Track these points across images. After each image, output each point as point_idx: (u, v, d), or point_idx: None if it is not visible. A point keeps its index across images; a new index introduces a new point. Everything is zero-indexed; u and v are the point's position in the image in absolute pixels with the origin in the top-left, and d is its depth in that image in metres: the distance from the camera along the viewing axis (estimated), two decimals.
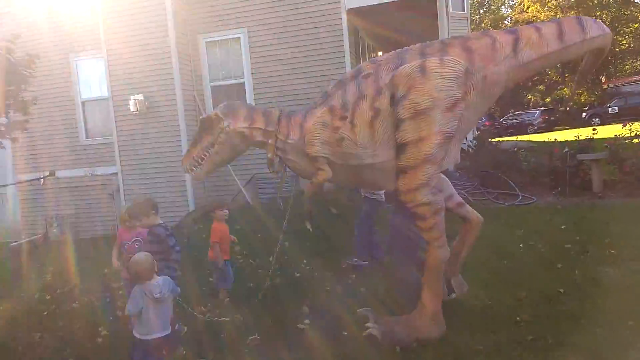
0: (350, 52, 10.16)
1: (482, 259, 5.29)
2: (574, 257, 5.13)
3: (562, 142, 9.28)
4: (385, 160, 3.23)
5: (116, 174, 10.97)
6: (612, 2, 34.26)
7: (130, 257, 4.58)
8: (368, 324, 3.56)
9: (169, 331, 3.42)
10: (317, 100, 3.49)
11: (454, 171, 10.09)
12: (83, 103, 11.17)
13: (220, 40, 10.60)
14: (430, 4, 10.58)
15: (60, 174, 11.30)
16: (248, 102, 9.87)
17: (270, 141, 3.46)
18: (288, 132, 3.42)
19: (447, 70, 3.03)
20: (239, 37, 10.42)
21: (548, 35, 3.20)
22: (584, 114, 32.08)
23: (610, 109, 29.07)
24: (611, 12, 34.13)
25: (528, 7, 36.18)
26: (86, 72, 11.07)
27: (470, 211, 3.86)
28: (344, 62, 10.01)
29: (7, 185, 11.47)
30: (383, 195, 5.38)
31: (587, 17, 3.39)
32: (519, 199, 8.25)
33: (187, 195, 10.25)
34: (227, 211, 5.19)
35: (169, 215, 9.36)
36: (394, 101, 3.11)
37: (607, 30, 3.38)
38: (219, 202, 5.55)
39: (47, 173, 11.59)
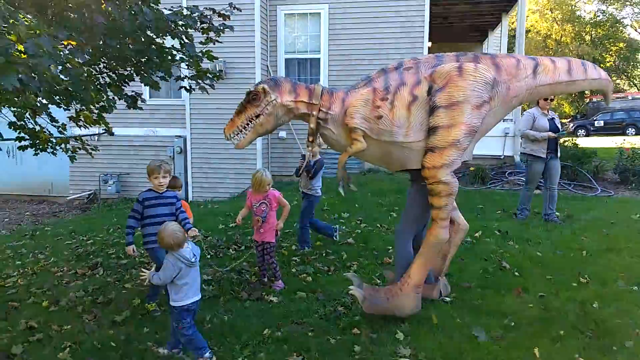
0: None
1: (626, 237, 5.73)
2: None
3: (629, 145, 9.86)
4: (414, 141, 3.68)
5: (179, 136, 10.87)
6: (605, 20, 35.81)
7: (259, 219, 4.71)
8: (351, 287, 3.94)
9: (200, 296, 3.54)
10: (359, 83, 3.89)
11: (520, 162, 10.53)
12: None
13: (300, 13, 10.63)
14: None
15: (119, 131, 11.07)
16: (294, 79, 9.93)
17: (314, 113, 3.77)
18: (330, 105, 3.77)
19: (479, 75, 3.60)
20: (320, 12, 10.48)
21: (561, 68, 3.87)
22: (570, 125, 33.58)
23: (596, 122, 30.58)
24: (602, 30, 35.73)
25: (527, 16, 37.28)
26: None
27: (459, 216, 4.33)
28: (422, 49, 10.24)
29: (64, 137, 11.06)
30: (319, 191, 5.92)
31: (588, 62, 4.09)
32: (597, 192, 8.73)
33: (255, 163, 10.25)
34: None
35: (237, 183, 9.28)
36: (431, 92, 3.63)
37: (604, 75, 4.06)
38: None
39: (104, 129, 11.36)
